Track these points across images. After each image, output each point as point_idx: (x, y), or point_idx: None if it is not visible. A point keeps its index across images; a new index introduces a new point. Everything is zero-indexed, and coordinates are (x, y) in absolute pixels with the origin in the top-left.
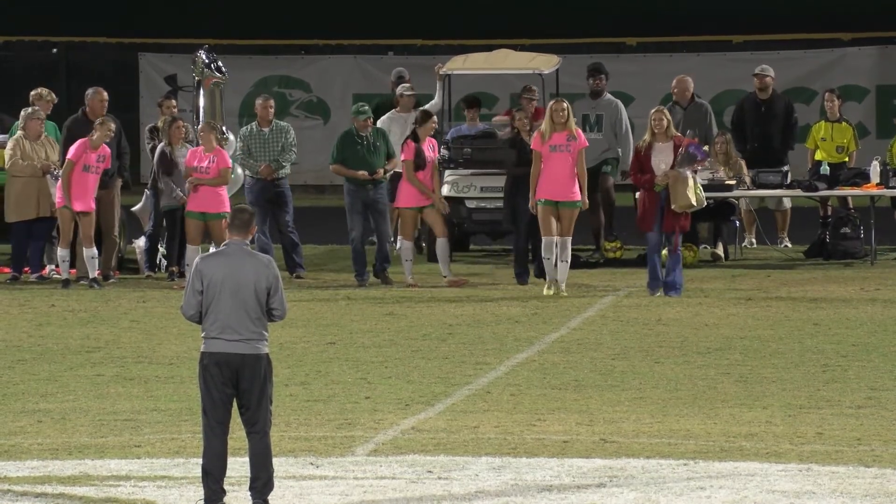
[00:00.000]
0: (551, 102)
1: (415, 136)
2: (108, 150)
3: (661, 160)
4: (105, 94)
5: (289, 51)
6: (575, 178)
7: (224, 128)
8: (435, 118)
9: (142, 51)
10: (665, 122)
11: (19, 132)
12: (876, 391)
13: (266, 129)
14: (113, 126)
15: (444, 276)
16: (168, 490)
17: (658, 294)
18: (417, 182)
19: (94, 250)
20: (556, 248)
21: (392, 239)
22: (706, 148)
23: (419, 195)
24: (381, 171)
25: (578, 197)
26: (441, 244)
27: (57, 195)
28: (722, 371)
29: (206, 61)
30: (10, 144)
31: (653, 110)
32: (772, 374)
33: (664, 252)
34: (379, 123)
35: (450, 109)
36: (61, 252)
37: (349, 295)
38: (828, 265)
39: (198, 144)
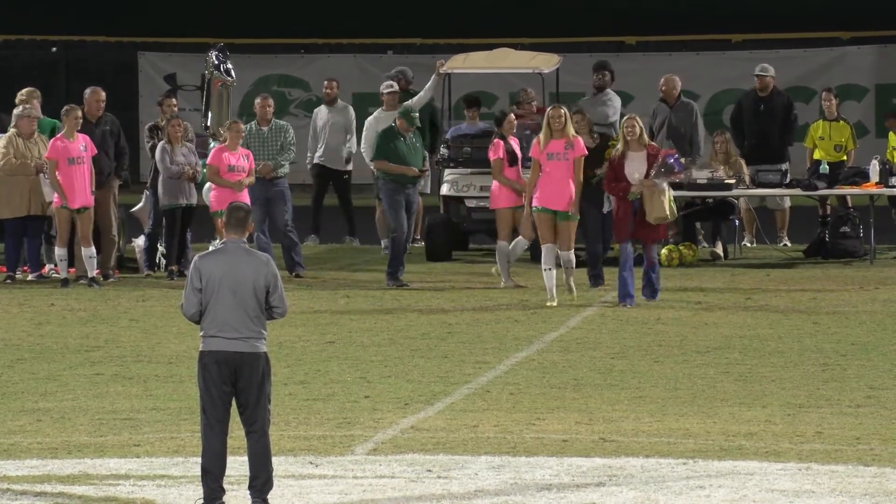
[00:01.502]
0: (549, 109)
1: (501, 135)
2: (87, 137)
3: (635, 169)
4: (102, 93)
5: (288, 50)
6: (572, 189)
7: None
8: (512, 115)
9: (141, 50)
10: (637, 130)
11: (11, 130)
12: (875, 390)
13: (265, 128)
14: (79, 113)
15: (503, 281)
16: (167, 489)
17: (627, 305)
18: (507, 180)
19: (93, 249)
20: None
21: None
22: (680, 156)
23: (514, 196)
24: (424, 169)
25: (575, 208)
26: (521, 244)
27: (54, 195)
28: (721, 370)
29: (216, 62)
30: (2, 142)
31: (625, 118)
32: (771, 373)
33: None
34: (366, 123)
35: (450, 109)
36: (59, 251)
37: (348, 294)
38: (827, 264)
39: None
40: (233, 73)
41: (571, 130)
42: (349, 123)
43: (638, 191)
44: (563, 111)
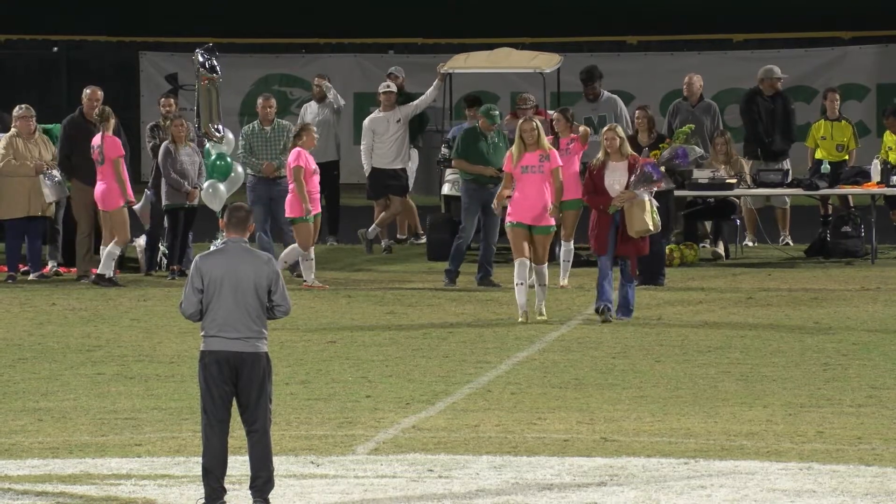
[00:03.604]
0: (520, 121)
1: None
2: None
3: (615, 180)
4: (99, 92)
5: (289, 49)
6: (548, 201)
7: (221, 126)
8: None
9: (142, 49)
10: (617, 142)
11: (12, 130)
12: (876, 390)
13: (268, 128)
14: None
15: (563, 284)
16: (168, 489)
17: (611, 315)
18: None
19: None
20: (531, 273)
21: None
22: (660, 167)
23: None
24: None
25: (552, 221)
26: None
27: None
28: (722, 370)
29: (201, 60)
30: (2, 143)
31: (604, 129)
32: (772, 372)
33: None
34: (364, 124)
35: (451, 108)
36: (115, 250)
37: (350, 294)
38: (828, 264)
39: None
40: (218, 69)
41: (546, 143)
42: (339, 117)
43: (619, 203)
44: (535, 124)
